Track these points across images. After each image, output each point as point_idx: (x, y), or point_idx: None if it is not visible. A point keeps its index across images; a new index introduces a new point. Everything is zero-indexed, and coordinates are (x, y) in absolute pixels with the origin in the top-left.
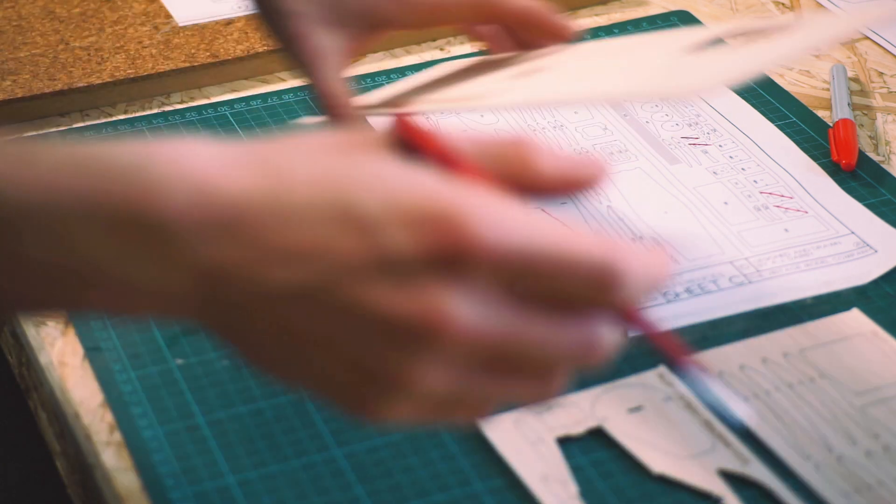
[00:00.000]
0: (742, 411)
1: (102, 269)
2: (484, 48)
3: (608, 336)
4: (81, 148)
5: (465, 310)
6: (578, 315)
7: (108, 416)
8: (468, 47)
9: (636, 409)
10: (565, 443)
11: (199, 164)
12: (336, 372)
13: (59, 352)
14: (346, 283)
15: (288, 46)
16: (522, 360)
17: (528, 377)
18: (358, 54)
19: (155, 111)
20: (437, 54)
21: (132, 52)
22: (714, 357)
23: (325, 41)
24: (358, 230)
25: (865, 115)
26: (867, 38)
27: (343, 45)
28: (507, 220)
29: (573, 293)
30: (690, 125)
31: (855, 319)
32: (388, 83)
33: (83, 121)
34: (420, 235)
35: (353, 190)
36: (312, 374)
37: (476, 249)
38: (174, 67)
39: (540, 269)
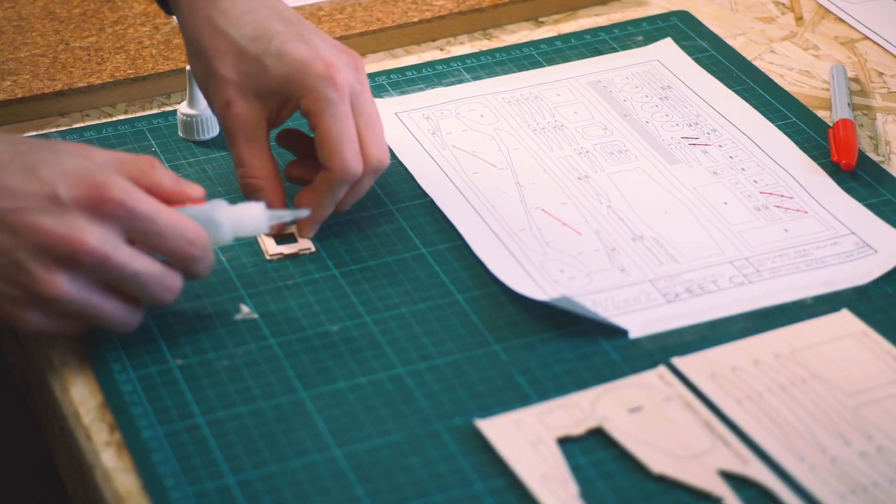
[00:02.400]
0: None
1: None
2: None
3: (177, 281)
4: None
5: (95, 238)
6: (164, 263)
7: (108, 416)
8: (468, 47)
9: (636, 409)
10: (565, 443)
11: None
12: (6, 280)
13: (59, 352)
14: (22, 211)
15: (215, 108)
16: (124, 284)
17: (123, 299)
18: (275, 125)
19: (155, 111)
20: (438, 54)
21: (132, 52)
22: (705, 359)
23: (247, 110)
24: (38, 181)
25: (865, 115)
26: (867, 38)
27: (263, 115)
28: (136, 194)
29: (164, 247)
30: (690, 125)
31: (846, 320)
32: (388, 83)
33: (83, 121)
34: (78, 189)
35: (39, 158)
36: None
37: (112, 202)
38: (174, 67)
39: (148, 227)
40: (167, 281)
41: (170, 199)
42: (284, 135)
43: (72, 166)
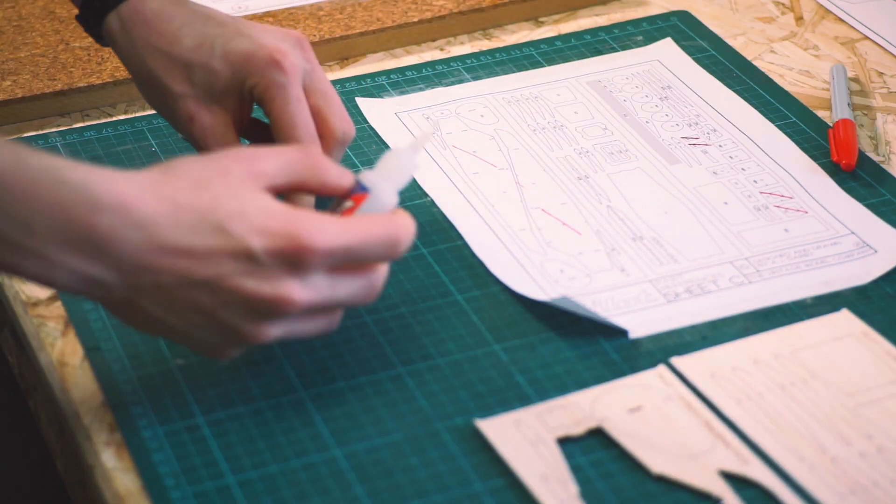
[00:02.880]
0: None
1: (50, 254)
2: None
3: (381, 280)
4: (49, 160)
5: (300, 292)
6: (365, 270)
7: (108, 416)
8: (468, 47)
9: (636, 409)
10: (565, 443)
11: (123, 191)
12: (210, 332)
13: (59, 352)
14: (224, 276)
15: (181, 127)
16: (331, 309)
17: (329, 316)
18: (242, 125)
19: (155, 111)
20: (438, 54)
21: None
22: (705, 359)
23: (211, 119)
24: (231, 239)
25: (865, 115)
26: (867, 38)
27: (227, 119)
28: (327, 231)
29: (370, 258)
30: (690, 125)
31: (846, 320)
32: (388, 83)
33: (83, 121)
34: (271, 242)
35: (225, 213)
36: (190, 333)
37: (307, 252)
38: None
39: (349, 256)
40: (374, 289)
41: (337, 193)
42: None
43: (257, 214)
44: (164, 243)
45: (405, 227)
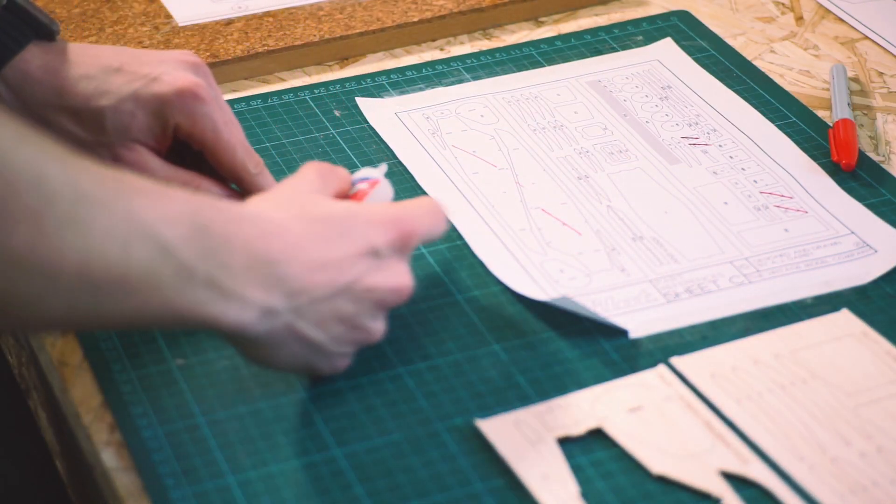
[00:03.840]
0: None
1: (247, 293)
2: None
3: None
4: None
5: (409, 276)
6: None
7: (108, 416)
8: (468, 47)
9: (636, 409)
10: (565, 443)
11: (275, 215)
12: (346, 341)
13: (59, 352)
14: (360, 277)
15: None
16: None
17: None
18: (164, 153)
19: None
20: (438, 54)
21: None
22: (705, 359)
23: (135, 156)
24: (356, 242)
25: (865, 115)
26: (867, 38)
27: (150, 153)
28: (417, 215)
29: (430, 238)
30: (690, 125)
31: (846, 320)
32: (388, 83)
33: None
34: (388, 234)
35: (340, 218)
36: (326, 349)
37: (416, 235)
38: None
39: (435, 234)
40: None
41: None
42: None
43: (362, 213)
44: (312, 258)
45: (437, 206)
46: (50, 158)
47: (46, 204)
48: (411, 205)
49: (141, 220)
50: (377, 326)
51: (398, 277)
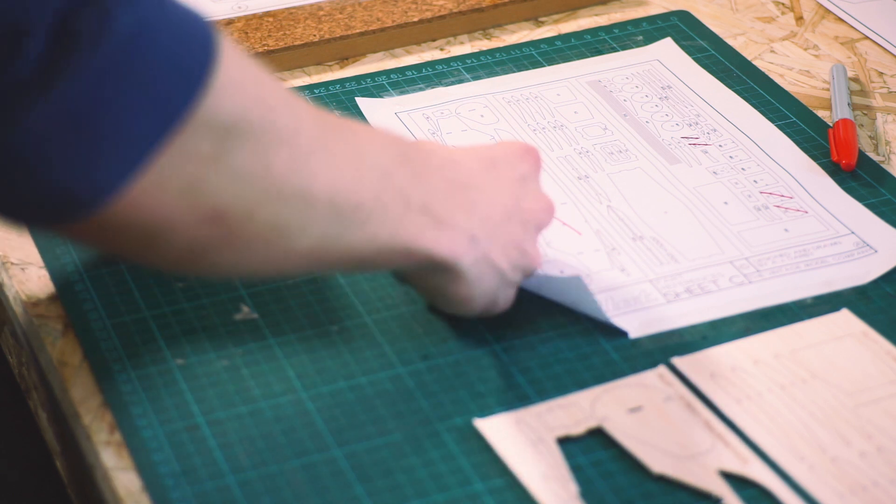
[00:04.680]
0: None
1: (458, 220)
2: None
3: None
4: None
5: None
6: None
7: (108, 416)
8: (468, 47)
9: (636, 409)
10: (565, 443)
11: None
12: (517, 268)
13: (59, 352)
14: (520, 200)
15: None
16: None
17: None
18: None
19: None
20: (438, 54)
21: None
22: (705, 359)
23: None
24: (509, 167)
25: (865, 115)
26: (867, 38)
27: None
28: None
29: None
30: (690, 125)
31: (845, 320)
32: (388, 83)
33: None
34: (528, 159)
35: (487, 153)
36: (507, 277)
37: (541, 160)
38: None
39: None
40: None
41: None
42: None
43: (496, 146)
44: (489, 184)
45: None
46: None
47: (299, 126)
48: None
49: (363, 147)
50: (537, 251)
51: (545, 197)
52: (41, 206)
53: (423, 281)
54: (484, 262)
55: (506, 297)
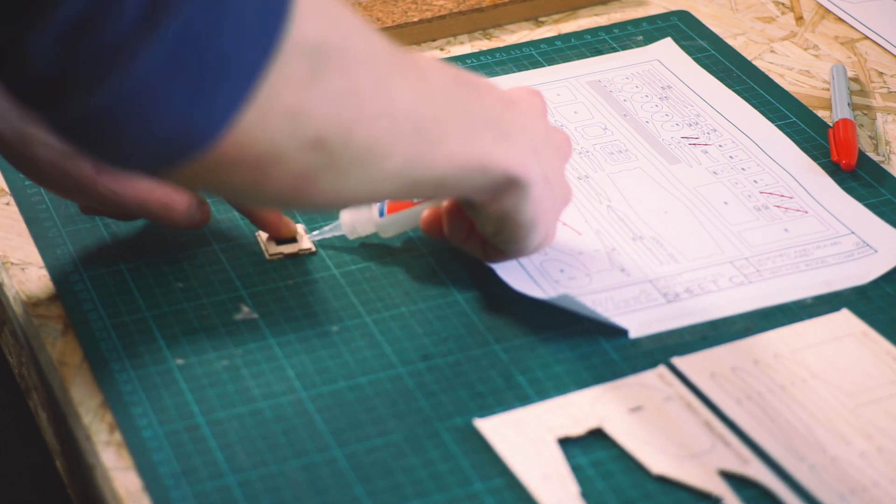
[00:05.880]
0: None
1: (508, 129)
2: None
3: None
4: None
5: None
6: None
7: (108, 416)
8: (469, 47)
9: (636, 409)
10: (565, 443)
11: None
12: (562, 198)
13: (59, 352)
14: (548, 133)
15: (87, 188)
16: None
17: None
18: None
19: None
20: (438, 54)
21: None
22: (705, 359)
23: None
24: (530, 103)
25: (865, 115)
26: (867, 38)
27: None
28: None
29: None
30: (690, 125)
31: (845, 320)
32: None
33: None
34: (538, 100)
35: (511, 90)
36: (557, 204)
37: (546, 104)
38: None
39: None
40: None
41: None
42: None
43: (513, 89)
44: (524, 111)
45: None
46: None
47: (374, 49)
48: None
49: (426, 69)
50: (568, 184)
51: (561, 130)
52: (158, 149)
53: (495, 206)
54: (545, 181)
55: (554, 231)
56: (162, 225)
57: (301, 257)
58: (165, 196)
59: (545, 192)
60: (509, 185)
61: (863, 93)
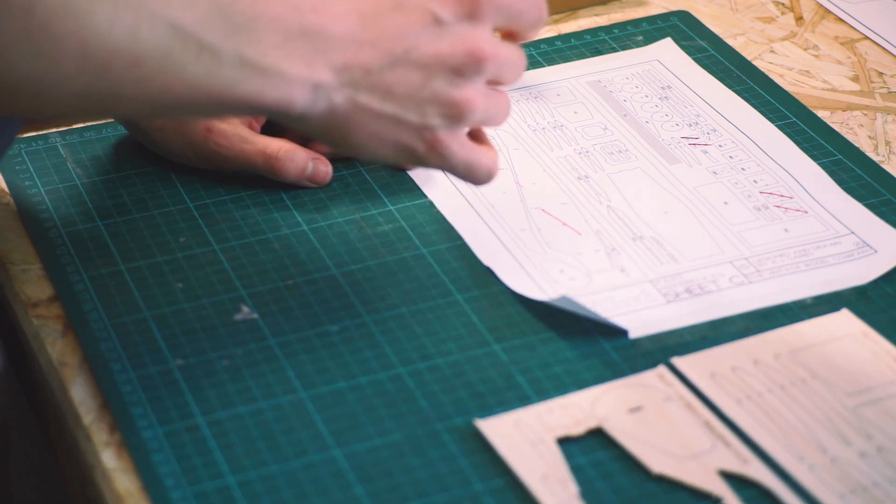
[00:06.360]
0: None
1: (285, 68)
2: None
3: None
4: None
5: (486, 41)
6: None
7: (108, 416)
8: None
9: (636, 409)
10: (565, 443)
11: None
12: (425, 111)
13: (59, 352)
14: (419, 44)
15: (199, 144)
16: (503, 74)
17: (503, 93)
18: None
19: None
20: None
21: None
22: (705, 359)
23: (227, 122)
24: (414, 12)
25: (865, 115)
26: (867, 38)
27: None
28: None
29: (524, 15)
30: (690, 125)
31: (845, 320)
32: None
33: (84, 121)
34: (452, 3)
35: None
36: (406, 120)
37: (485, 1)
38: None
39: (514, 9)
40: (523, 57)
41: None
42: None
43: None
44: (356, 30)
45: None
46: None
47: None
48: None
49: (150, 6)
50: (462, 94)
51: (468, 42)
52: None
53: (296, 126)
54: (351, 108)
55: (427, 143)
56: (271, 177)
57: (301, 257)
58: (270, 149)
59: (358, 122)
60: (274, 114)
61: (863, 93)
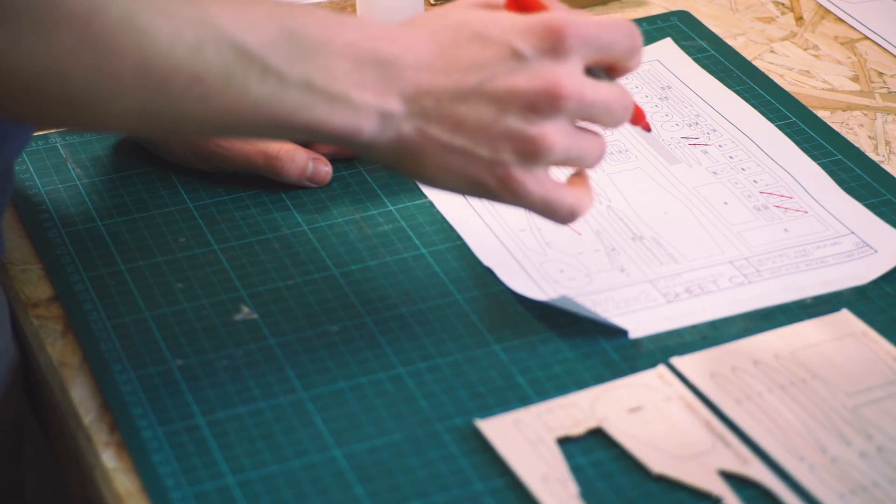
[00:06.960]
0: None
1: (353, 96)
2: None
3: (630, 96)
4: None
5: (568, 78)
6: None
7: (108, 416)
8: None
9: (636, 410)
10: (565, 443)
11: (386, 25)
12: (497, 146)
13: (59, 352)
14: (494, 77)
15: (217, 150)
16: (595, 116)
17: (597, 135)
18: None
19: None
20: None
21: None
22: (705, 359)
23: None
24: (493, 45)
25: (865, 115)
26: (867, 38)
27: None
28: (576, 17)
29: (617, 48)
30: (690, 125)
31: (845, 320)
32: None
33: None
34: (533, 37)
35: (477, 23)
36: (478, 154)
37: (568, 36)
38: None
39: (600, 41)
40: (625, 100)
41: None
42: None
43: (507, 17)
44: (431, 60)
45: (632, 23)
46: None
47: (96, 11)
48: (598, 17)
49: (216, 26)
50: (538, 131)
51: (546, 78)
52: None
53: (370, 156)
54: (420, 139)
55: (498, 179)
56: (271, 177)
57: (301, 257)
58: (270, 150)
59: (427, 153)
60: (342, 142)
61: (863, 93)
